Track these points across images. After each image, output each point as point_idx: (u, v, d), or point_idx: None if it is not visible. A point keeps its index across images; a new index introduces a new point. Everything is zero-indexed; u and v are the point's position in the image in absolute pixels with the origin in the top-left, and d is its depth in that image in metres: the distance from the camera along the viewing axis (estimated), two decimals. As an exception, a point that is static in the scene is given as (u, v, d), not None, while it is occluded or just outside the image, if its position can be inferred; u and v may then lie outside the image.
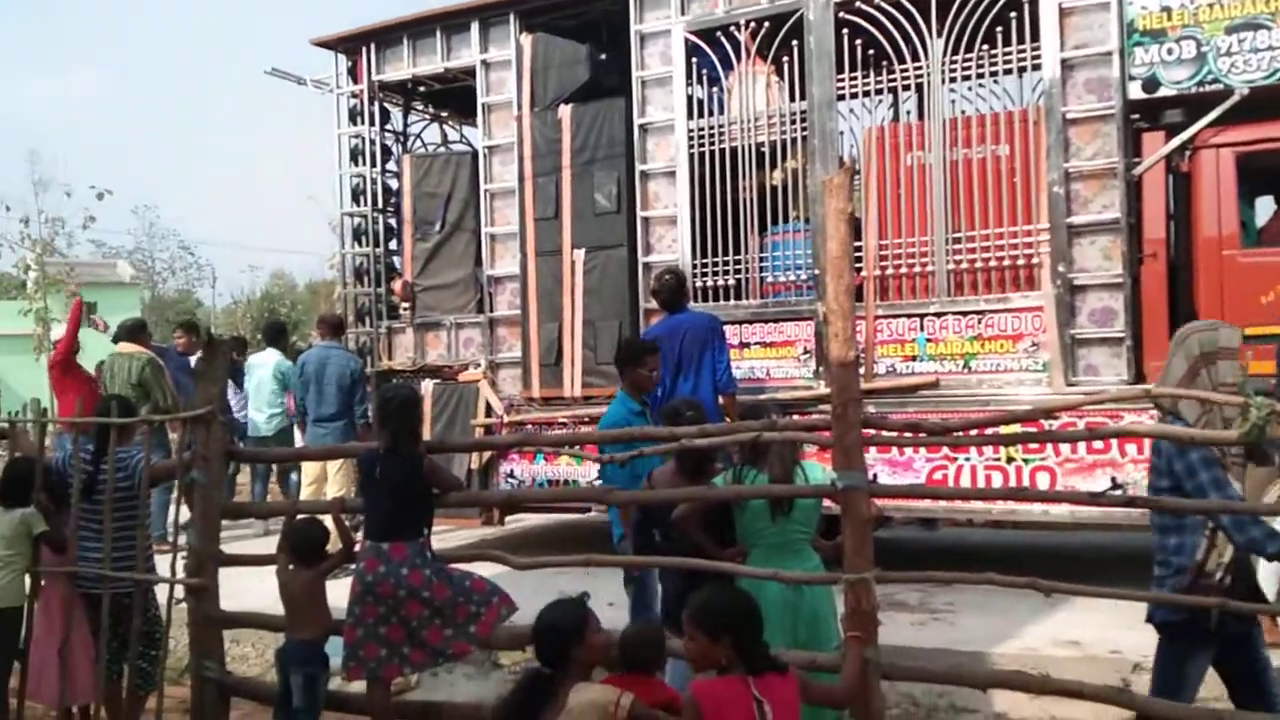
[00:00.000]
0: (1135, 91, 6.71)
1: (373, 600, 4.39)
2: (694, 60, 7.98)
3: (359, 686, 4.75)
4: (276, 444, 9.64)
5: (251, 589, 5.58)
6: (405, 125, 10.59)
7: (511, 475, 8.55)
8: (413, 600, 4.37)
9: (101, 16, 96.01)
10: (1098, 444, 6.56)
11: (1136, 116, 6.91)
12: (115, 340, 9.39)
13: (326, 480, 8.58)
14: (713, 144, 7.94)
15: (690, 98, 8.05)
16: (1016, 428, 4.39)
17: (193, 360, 10.04)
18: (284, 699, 4.65)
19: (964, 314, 7.08)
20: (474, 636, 4.52)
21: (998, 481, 6.78)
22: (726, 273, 7.86)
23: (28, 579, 5.33)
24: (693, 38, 7.94)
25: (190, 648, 5.04)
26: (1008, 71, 7.26)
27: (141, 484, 5.20)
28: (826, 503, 4.34)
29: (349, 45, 9.62)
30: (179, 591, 5.08)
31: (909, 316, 7.22)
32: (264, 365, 9.99)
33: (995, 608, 6.34)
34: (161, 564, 5.42)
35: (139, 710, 5.24)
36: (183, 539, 5.13)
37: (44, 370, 12.10)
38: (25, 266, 26.89)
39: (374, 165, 9.74)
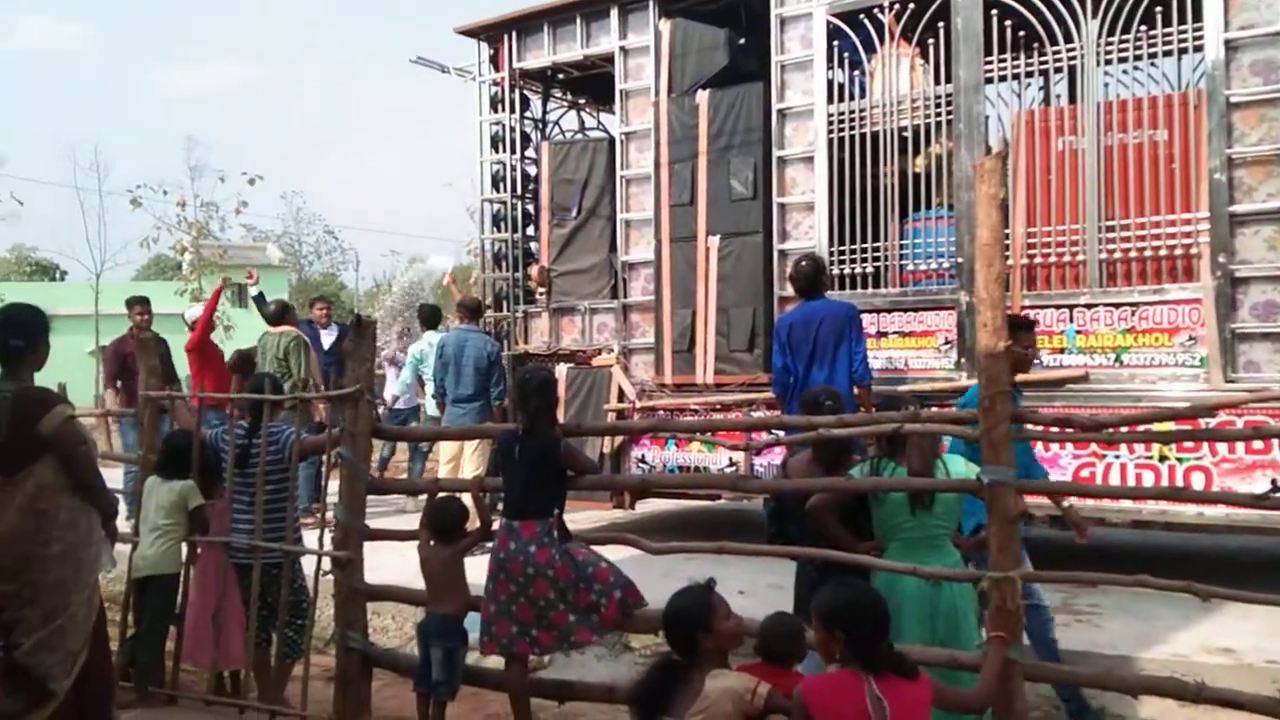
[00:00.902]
0: (1306, 73, 6.34)
1: (505, 577, 4.49)
2: (835, 43, 7.85)
3: (496, 662, 4.86)
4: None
5: (392, 564, 5.74)
6: (544, 112, 10.73)
7: (642, 460, 8.60)
8: (539, 579, 4.44)
9: (249, 7, 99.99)
10: (1257, 444, 6.24)
11: (1307, 100, 6.53)
12: (269, 323, 9.84)
13: (463, 459, 8.78)
14: (853, 129, 7.81)
15: (831, 82, 7.93)
16: (1171, 425, 4.20)
17: (323, 335, 10.49)
18: (423, 671, 4.78)
19: (1116, 306, 6.81)
20: (596, 625, 4.56)
21: (1148, 480, 6.52)
22: (864, 260, 7.73)
23: (184, 547, 5.60)
24: (834, 20, 7.82)
25: (335, 618, 5.21)
26: (1167, 53, 6.94)
27: (291, 458, 5.41)
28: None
29: (491, 33, 9.79)
30: (325, 563, 5.27)
31: (1057, 307, 6.98)
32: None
33: (1141, 611, 6.11)
34: (308, 537, 5.64)
35: (286, 677, 5.45)
36: (328, 513, 5.31)
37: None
38: (182, 249, 28.19)
39: (513, 152, 9.89)
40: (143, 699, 5.34)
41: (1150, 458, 6.55)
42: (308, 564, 5.42)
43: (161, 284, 34.18)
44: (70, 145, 61.45)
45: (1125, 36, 6.82)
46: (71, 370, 16.59)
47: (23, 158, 63.71)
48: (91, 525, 4.38)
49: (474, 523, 5.07)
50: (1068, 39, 7.03)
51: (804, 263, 6.95)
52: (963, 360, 7.19)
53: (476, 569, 4.85)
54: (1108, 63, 7.01)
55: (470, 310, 9.02)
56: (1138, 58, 6.94)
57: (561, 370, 9.04)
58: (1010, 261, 6.98)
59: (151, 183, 26.71)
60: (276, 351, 9.49)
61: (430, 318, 10.81)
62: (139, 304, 10.30)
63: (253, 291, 10.97)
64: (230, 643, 5.35)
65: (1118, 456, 6.64)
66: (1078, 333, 6.92)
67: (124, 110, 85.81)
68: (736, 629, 3.59)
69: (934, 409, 5.08)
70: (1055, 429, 4.19)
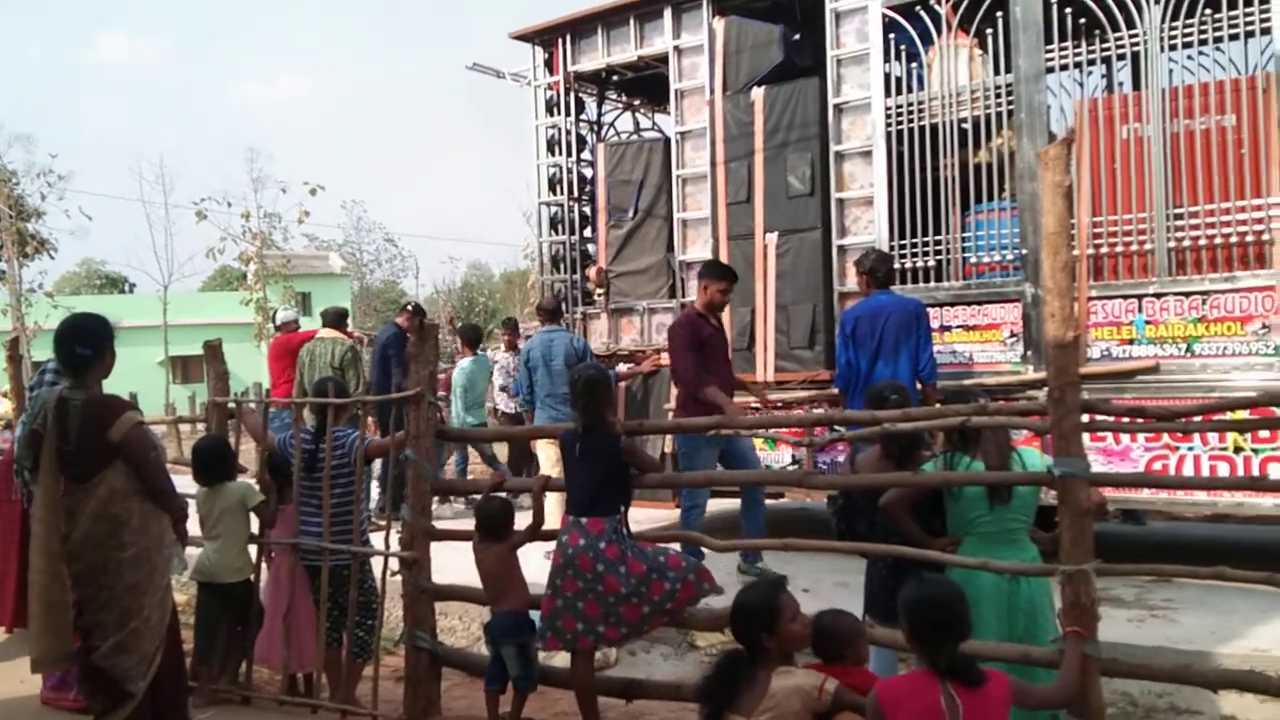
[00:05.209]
0: (1382, 53, 6.15)
1: (572, 573, 4.50)
2: (891, 36, 7.77)
3: (563, 660, 4.88)
4: None
5: (455, 564, 5.78)
6: (599, 114, 10.76)
7: (704, 460, 8.54)
8: (610, 575, 4.45)
9: (308, 23, 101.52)
10: (1338, 434, 6.06)
11: (1383, 81, 6.33)
12: (325, 325, 9.91)
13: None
14: (911, 121, 7.70)
15: (888, 75, 7.84)
16: (1247, 414, 4.10)
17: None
18: (494, 670, 4.81)
19: (1186, 295, 6.64)
20: (670, 612, 4.58)
21: (1223, 472, 6.35)
22: (926, 254, 7.62)
23: (251, 550, 5.68)
24: (890, 13, 7.72)
25: (404, 618, 5.26)
26: (1233, 37, 6.74)
27: (356, 461, 5.46)
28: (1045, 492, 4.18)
29: (546, 37, 9.83)
30: (393, 564, 5.32)
31: (1125, 297, 6.84)
32: None
33: (1218, 606, 5.97)
34: (376, 539, 5.70)
35: (357, 677, 5.49)
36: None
37: (264, 357, 12.89)
38: (246, 259, 28.72)
39: (569, 155, 9.92)
40: (217, 700, 5.43)
41: (1225, 449, 6.38)
42: (377, 566, 5.48)
43: (227, 294, 34.88)
44: (136, 160, 62.98)
45: (1190, 21, 6.65)
46: (141, 379, 16.98)
47: (92, 173, 65.28)
48: (163, 529, 4.46)
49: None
50: (1130, 25, 6.87)
51: (873, 254, 7.01)
52: (1029, 353, 7.07)
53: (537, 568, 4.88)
54: (1172, 48, 6.84)
55: (549, 312, 8.95)
56: (1203, 42, 6.76)
57: (621, 370, 9.03)
58: (1076, 251, 6.85)
59: (216, 195, 27.39)
60: (331, 359, 9.46)
61: (474, 339, 10.81)
62: (724, 279, 7.14)
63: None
64: (302, 644, 5.42)
65: (1191, 448, 6.48)
66: (1147, 323, 6.78)
67: (190, 125, 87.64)
68: (802, 631, 3.56)
69: (1001, 402, 5.01)
70: (1128, 420, 4.11)
